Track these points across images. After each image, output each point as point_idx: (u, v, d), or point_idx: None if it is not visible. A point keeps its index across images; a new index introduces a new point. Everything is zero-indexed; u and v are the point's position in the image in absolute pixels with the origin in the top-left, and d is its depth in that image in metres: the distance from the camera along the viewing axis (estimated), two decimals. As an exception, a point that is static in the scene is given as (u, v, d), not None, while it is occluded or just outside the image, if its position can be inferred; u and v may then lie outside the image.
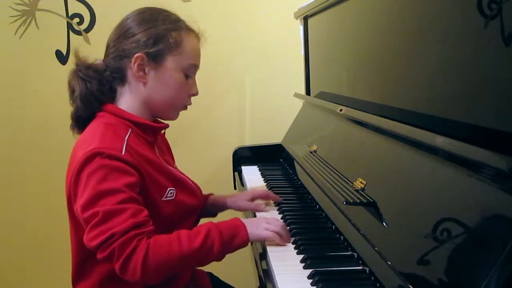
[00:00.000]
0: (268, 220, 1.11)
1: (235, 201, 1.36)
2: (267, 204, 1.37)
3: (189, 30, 1.16)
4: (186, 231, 1.03)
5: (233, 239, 1.04)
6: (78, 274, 1.14)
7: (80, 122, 1.14)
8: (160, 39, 1.10)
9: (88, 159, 1.00)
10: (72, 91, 1.14)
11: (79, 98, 1.11)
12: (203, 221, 1.18)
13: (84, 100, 1.11)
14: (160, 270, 0.97)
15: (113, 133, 1.06)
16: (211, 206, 1.36)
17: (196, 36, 1.18)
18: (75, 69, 1.14)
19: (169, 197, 1.12)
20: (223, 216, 1.28)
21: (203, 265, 1.07)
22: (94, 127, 1.10)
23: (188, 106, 1.22)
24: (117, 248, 0.95)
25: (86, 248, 1.05)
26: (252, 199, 1.36)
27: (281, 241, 1.07)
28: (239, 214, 1.42)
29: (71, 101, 1.15)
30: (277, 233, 1.07)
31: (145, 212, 1.01)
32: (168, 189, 1.13)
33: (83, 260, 1.12)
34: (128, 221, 0.96)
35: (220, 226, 1.05)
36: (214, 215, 1.39)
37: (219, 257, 1.04)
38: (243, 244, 1.06)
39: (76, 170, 1.01)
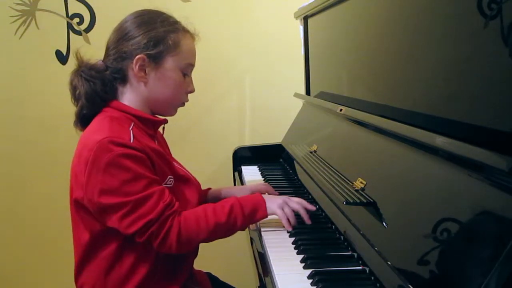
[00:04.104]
0: (287, 201, 1.19)
1: (237, 194, 1.38)
2: None
3: (186, 31, 1.21)
4: (211, 207, 1.14)
5: (254, 214, 1.15)
6: (82, 262, 1.16)
7: (85, 119, 1.18)
8: (160, 41, 1.15)
9: (103, 148, 1.05)
10: (74, 91, 1.18)
11: (84, 98, 1.15)
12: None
13: (89, 99, 1.15)
14: (191, 243, 1.11)
15: (118, 125, 1.12)
16: (212, 200, 1.39)
17: (192, 36, 1.23)
18: (77, 70, 1.18)
19: (168, 184, 1.17)
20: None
21: (227, 236, 1.17)
22: (100, 121, 1.14)
23: (189, 106, 1.27)
24: (155, 231, 1.06)
25: (98, 236, 1.12)
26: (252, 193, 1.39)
27: (287, 225, 1.16)
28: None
29: (73, 100, 1.19)
30: (288, 215, 1.16)
31: (167, 190, 1.10)
32: (168, 177, 1.17)
33: (89, 247, 1.15)
34: (159, 205, 1.06)
35: (242, 202, 1.15)
36: None
37: (242, 229, 1.17)
38: (263, 218, 1.18)
39: (92, 158, 1.05)
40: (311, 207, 1.20)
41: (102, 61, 1.20)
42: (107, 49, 1.20)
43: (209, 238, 1.12)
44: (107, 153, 1.04)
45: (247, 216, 1.14)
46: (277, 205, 1.17)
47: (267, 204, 1.16)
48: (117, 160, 1.04)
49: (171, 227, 1.06)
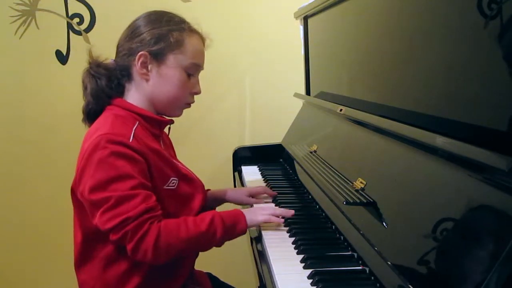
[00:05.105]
0: (263, 207, 1.23)
1: (235, 195, 1.43)
2: (266, 201, 1.40)
3: (192, 31, 1.21)
4: (191, 217, 1.12)
5: (234, 227, 1.13)
6: (80, 260, 1.17)
7: (90, 115, 1.20)
8: (162, 38, 1.16)
9: (99, 144, 1.05)
10: (85, 88, 1.20)
11: (90, 94, 1.18)
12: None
13: (95, 95, 1.17)
14: (168, 252, 1.06)
15: (122, 122, 1.12)
16: (210, 201, 1.41)
17: (200, 37, 1.23)
18: (87, 68, 1.20)
19: (171, 186, 1.17)
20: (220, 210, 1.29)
21: (205, 250, 1.16)
22: (104, 118, 1.15)
23: None
24: (130, 231, 1.02)
25: (90, 234, 1.12)
26: (250, 196, 1.42)
27: (277, 220, 1.17)
28: (236, 207, 1.45)
29: (84, 97, 1.21)
30: (272, 214, 1.17)
31: (154, 197, 1.08)
32: (171, 178, 1.17)
33: (84, 246, 1.15)
34: (141, 206, 1.03)
35: (223, 214, 1.13)
36: (212, 209, 1.41)
37: (220, 243, 1.14)
38: (242, 232, 1.15)
39: (87, 153, 1.06)
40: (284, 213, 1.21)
41: (114, 60, 1.21)
42: (117, 47, 1.22)
43: (187, 249, 1.11)
44: (102, 150, 1.05)
45: (227, 229, 1.11)
46: (259, 214, 1.16)
47: (247, 217, 1.15)
48: (110, 157, 1.04)
49: (147, 231, 1.03)
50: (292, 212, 1.19)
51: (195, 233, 1.07)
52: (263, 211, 1.18)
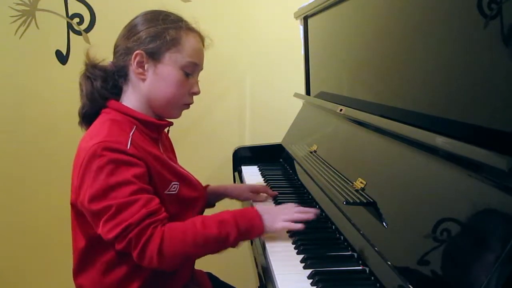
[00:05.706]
0: (284, 212, 1.13)
1: (236, 190, 1.43)
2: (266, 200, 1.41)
3: (190, 29, 1.19)
4: (201, 218, 1.06)
5: (249, 232, 1.08)
6: (80, 266, 1.16)
7: (86, 118, 1.18)
8: (158, 36, 1.14)
9: (96, 152, 1.03)
10: (81, 90, 1.18)
11: (85, 96, 1.16)
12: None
13: (90, 97, 1.16)
14: (175, 257, 1.02)
15: (119, 128, 1.10)
16: (210, 196, 1.39)
17: (199, 36, 1.20)
18: (84, 69, 1.18)
19: (172, 191, 1.15)
20: (221, 207, 1.29)
21: (218, 252, 1.09)
22: (100, 123, 1.13)
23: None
24: (134, 238, 0.99)
25: (94, 241, 1.10)
26: (251, 191, 1.42)
27: (297, 227, 1.09)
28: (237, 204, 1.45)
29: (80, 99, 1.20)
30: (292, 220, 1.09)
31: (156, 200, 1.05)
32: (172, 183, 1.15)
33: (86, 252, 1.14)
34: (141, 211, 1.00)
35: (237, 216, 1.07)
36: (212, 205, 1.43)
37: (234, 246, 1.08)
38: (258, 236, 1.11)
39: (85, 162, 1.04)
40: (307, 210, 1.15)
41: (111, 61, 1.19)
42: (115, 47, 1.20)
43: (197, 253, 1.06)
44: (99, 158, 1.02)
45: (242, 233, 1.06)
46: (278, 220, 1.09)
47: (266, 223, 1.08)
48: (108, 165, 1.02)
49: (151, 236, 0.99)
50: (315, 211, 1.13)
51: (203, 238, 1.02)
52: (284, 216, 1.10)
